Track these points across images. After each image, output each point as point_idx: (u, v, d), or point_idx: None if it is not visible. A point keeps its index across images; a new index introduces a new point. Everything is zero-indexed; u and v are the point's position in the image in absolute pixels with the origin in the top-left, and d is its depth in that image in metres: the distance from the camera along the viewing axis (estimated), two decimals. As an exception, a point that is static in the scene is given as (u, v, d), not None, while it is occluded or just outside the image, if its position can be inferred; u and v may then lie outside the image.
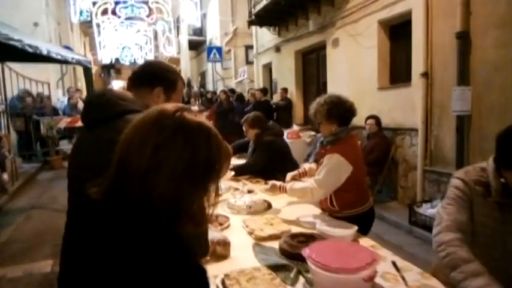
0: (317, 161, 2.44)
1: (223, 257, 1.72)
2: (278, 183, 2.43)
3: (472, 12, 4.06)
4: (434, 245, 1.38)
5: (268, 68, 10.85)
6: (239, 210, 2.38)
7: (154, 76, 1.49)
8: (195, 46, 18.71)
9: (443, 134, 4.59)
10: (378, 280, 1.49)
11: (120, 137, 0.84)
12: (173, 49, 17.69)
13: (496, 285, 1.15)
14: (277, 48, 9.49)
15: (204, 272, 0.82)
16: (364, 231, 2.11)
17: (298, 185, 2.29)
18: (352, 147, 2.26)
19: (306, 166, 2.66)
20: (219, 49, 13.84)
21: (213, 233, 1.77)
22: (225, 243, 1.75)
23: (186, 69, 19.54)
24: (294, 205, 2.53)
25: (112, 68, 24.77)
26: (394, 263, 1.65)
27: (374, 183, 5.34)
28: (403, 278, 1.52)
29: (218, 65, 14.67)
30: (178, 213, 0.80)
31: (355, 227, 1.92)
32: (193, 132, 0.81)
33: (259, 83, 11.09)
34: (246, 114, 3.79)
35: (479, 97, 4.04)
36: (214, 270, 1.54)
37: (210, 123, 0.88)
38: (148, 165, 0.77)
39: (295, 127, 8.14)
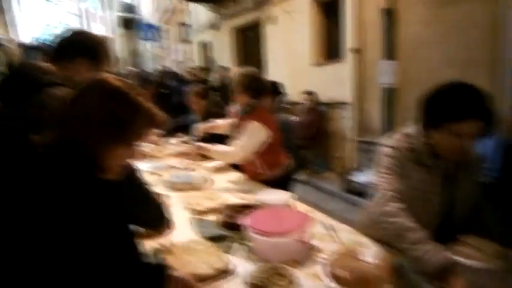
0: (236, 130, 2.56)
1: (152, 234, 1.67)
2: (203, 144, 2.53)
3: (397, -11, 4.30)
4: (377, 216, 1.41)
5: (205, 46, 10.60)
6: (177, 187, 2.33)
7: (77, 46, 1.40)
8: (127, 24, 17.63)
9: (372, 106, 4.88)
10: (311, 240, 1.56)
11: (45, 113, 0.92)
12: (103, 27, 16.52)
13: (442, 249, 1.20)
14: (215, 26, 9.28)
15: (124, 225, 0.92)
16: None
17: (221, 147, 2.43)
18: (267, 116, 2.47)
19: (219, 121, 2.83)
20: (153, 27, 13.18)
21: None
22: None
23: (119, 48, 18.41)
24: (229, 176, 2.61)
25: (35, 49, 22.57)
26: (328, 225, 1.74)
27: (311, 156, 5.57)
28: (335, 237, 1.62)
29: (154, 43, 14.00)
30: (95, 161, 0.88)
31: (290, 194, 1.98)
32: (112, 91, 0.89)
33: (197, 61, 10.82)
34: (183, 94, 3.69)
35: (405, 71, 4.33)
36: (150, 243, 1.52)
37: (133, 87, 0.95)
38: (67, 115, 0.87)
39: (234, 106, 8.12)
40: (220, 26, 9.10)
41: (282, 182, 2.47)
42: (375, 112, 4.83)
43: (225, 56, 9.15)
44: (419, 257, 1.19)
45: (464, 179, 1.47)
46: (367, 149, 5.01)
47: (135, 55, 17.78)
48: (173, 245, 1.49)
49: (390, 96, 4.51)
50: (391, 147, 1.47)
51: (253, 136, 2.34)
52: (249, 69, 2.49)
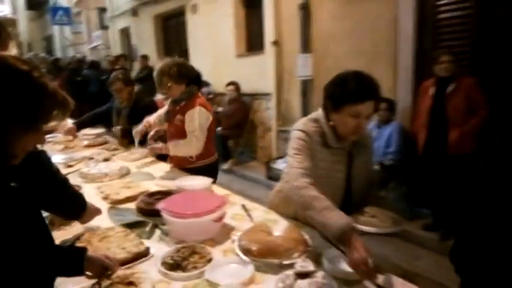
0: (168, 120, 2.56)
1: (64, 224, 1.64)
2: (158, 145, 2.46)
3: (310, -14, 4.56)
4: (288, 191, 1.49)
5: (126, 33, 10.09)
6: (93, 178, 2.26)
7: None
8: (36, 5, 15.95)
9: (292, 97, 5.15)
10: (227, 221, 1.65)
11: None
12: (6, 7, 14.74)
13: (344, 215, 1.30)
14: (135, 12, 8.87)
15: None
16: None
17: (179, 143, 2.40)
18: (205, 101, 2.48)
19: (150, 119, 2.72)
20: (66, 10, 12.10)
21: None
22: None
23: (26, 32, 16.62)
24: (151, 167, 2.59)
25: None
26: (243, 206, 1.85)
27: (236, 146, 5.69)
28: (250, 216, 1.73)
29: (67, 29, 12.90)
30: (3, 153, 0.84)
31: (210, 179, 2.05)
32: (15, 72, 0.83)
33: (116, 49, 10.26)
34: (102, 83, 3.47)
35: (318, 63, 4.64)
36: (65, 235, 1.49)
37: (40, 73, 0.89)
38: None
39: (159, 96, 7.90)
40: (140, 12, 8.73)
41: (210, 171, 2.50)
42: (295, 102, 5.10)
43: (147, 44, 8.82)
44: (324, 222, 1.30)
45: (359, 156, 1.63)
46: (288, 138, 5.27)
47: (47, 41, 16.20)
48: (91, 233, 1.47)
49: (307, 87, 4.80)
50: (301, 130, 1.59)
51: (203, 121, 2.37)
52: (178, 59, 2.48)
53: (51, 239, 1.02)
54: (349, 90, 1.44)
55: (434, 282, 2.57)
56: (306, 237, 1.43)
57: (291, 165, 1.51)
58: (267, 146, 5.73)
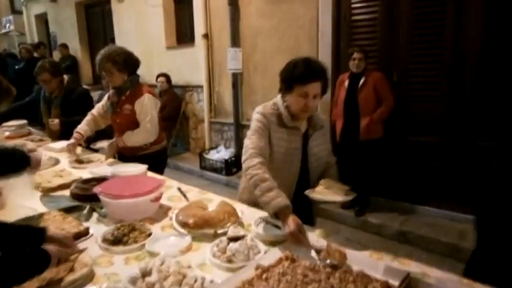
0: (116, 110, 2.52)
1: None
2: (112, 142, 2.45)
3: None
4: (243, 170, 1.64)
5: (43, 20, 9.33)
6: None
7: None
8: None
9: (223, 89, 5.31)
10: (164, 202, 1.77)
11: None
12: None
13: (283, 196, 1.46)
14: (53, -3, 8.25)
15: None
16: (161, 168, 2.60)
17: (133, 133, 2.41)
18: (149, 89, 2.52)
19: (80, 130, 2.61)
20: (-33, -10, 10.77)
21: None
22: None
23: None
24: (84, 156, 2.58)
25: None
26: (179, 188, 1.97)
27: (169, 137, 5.69)
28: (185, 197, 1.87)
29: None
30: None
31: (146, 166, 2.14)
32: None
33: (32, 37, 9.44)
34: (17, 72, 3.25)
35: (248, 57, 4.86)
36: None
37: None
38: None
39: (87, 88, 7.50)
40: (60, -2, 8.16)
41: (162, 156, 2.64)
42: (226, 95, 5.27)
43: (68, 32, 8.27)
44: (265, 201, 1.44)
45: (315, 137, 1.77)
46: (220, 129, 5.44)
47: None
48: (29, 218, 1.50)
49: (237, 80, 5.00)
50: (259, 113, 1.73)
51: (154, 108, 2.43)
52: (118, 47, 2.48)
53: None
54: (297, 72, 1.62)
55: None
56: (237, 210, 1.62)
57: (246, 146, 1.66)
58: (199, 137, 5.83)
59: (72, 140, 2.56)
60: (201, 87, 5.50)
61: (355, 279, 1.08)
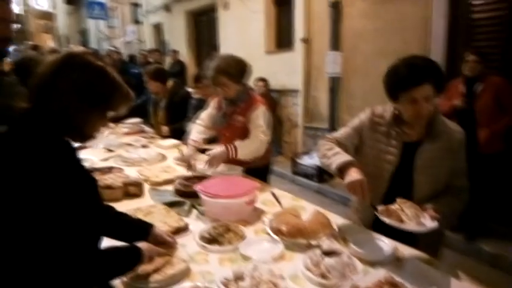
0: (228, 122, 2.32)
1: (137, 195, 1.91)
2: (218, 151, 2.12)
3: (343, -17, 4.60)
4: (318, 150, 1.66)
5: (158, 28, 10.40)
6: (133, 162, 2.44)
7: None
8: (73, 0, 16.62)
9: (319, 94, 5.21)
10: (258, 205, 1.78)
11: None
12: (45, 2, 15.43)
13: (348, 156, 1.44)
14: (167, 8, 9.13)
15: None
16: (266, 179, 2.39)
17: (244, 144, 2.18)
18: (262, 99, 2.34)
19: (194, 138, 2.38)
20: (101, 4, 12.56)
21: (129, 176, 2.04)
22: (138, 183, 1.95)
23: (64, 26, 17.36)
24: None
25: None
26: (273, 193, 1.96)
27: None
28: (279, 202, 1.85)
29: (102, 23, 13.38)
30: (69, 125, 0.99)
31: (241, 168, 2.18)
32: (92, 66, 1.00)
33: (149, 43, 10.59)
34: (135, 76, 3.62)
35: (348, 61, 4.68)
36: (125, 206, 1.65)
37: (111, 69, 1.05)
38: (46, 84, 0.95)
39: (189, 89, 8.12)
40: (173, 8, 8.98)
41: (266, 171, 2.43)
42: (322, 99, 5.16)
43: (177, 39, 9.06)
44: (330, 163, 1.47)
45: (432, 150, 1.50)
46: (313, 134, 5.36)
47: (83, 34, 16.84)
48: (137, 209, 1.64)
49: (335, 84, 4.85)
50: (369, 110, 1.66)
51: (267, 120, 2.24)
52: (228, 56, 2.26)
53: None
54: (400, 78, 1.43)
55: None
56: (332, 222, 1.54)
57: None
58: (293, 141, 5.82)
59: (190, 151, 2.30)
60: (297, 91, 5.49)
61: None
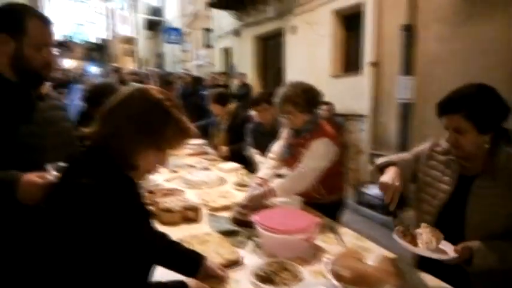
0: (292, 153, 2.20)
1: (193, 220, 1.90)
2: (259, 192, 1.99)
3: (417, 6, 4.37)
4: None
5: (227, 52, 10.83)
6: (194, 185, 2.47)
7: None
8: (153, 26, 18.12)
9: (388, 120, 4.93)
10: (318, 242, 1.65)
11: None
12: (128, 28, 17.02)
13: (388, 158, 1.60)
14: (237, 33, 9.49)
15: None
16: (336, 217, 2.16)
17: (284, 181, 2.05)
18: (332, 129, 2.19)
19: (262, 175, 2.23)
20: (177, 30, 13.53)
21: (188, 200, 2.03)
22: (196, 209, 1.93)
23: (143, 49, 18.94)
24: (248, 178, 2.68)
25: (63, 46, 23.35)
26: (333, 228, 1.83)
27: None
28: (341, 240, 1.71)
29: (177, 47, 14.36)
30: (127, 160, 0.98)
31: (300, 198, 2.08)
32: (154, 102, 0.99)
33: (218, 67, 11.05)
34: (203, 97, 3.78)
35: (421, 86, 4.38)
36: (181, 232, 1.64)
37: (173, 104, 1.03)
38: (112, 115, 0.98)
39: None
40: (242, 33, 9.30)
41: (338, 208, 2.22)
42: (391, 126, 4.87)
43: (245, 62, 9.33)
44: (375, 165, 1.64)
45: (492, 187, 1.38)
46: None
47: (160, 57, 18.22)
48: (193, 236, 1.62)
49: (407, 111, 4.56)
50: (432, 141, 1.62)
51: (325, 156, 2.04)
52: (298, 84, 2.14)
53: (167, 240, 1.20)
54: (437, 104, 1.43)
55: None
56: (401, 270, 1.36)
57: None
58: (357, 168, 5.55)
59: (257, 191, 2.03)
60: (364, 116, 5.26)
61: None
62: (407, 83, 4.43)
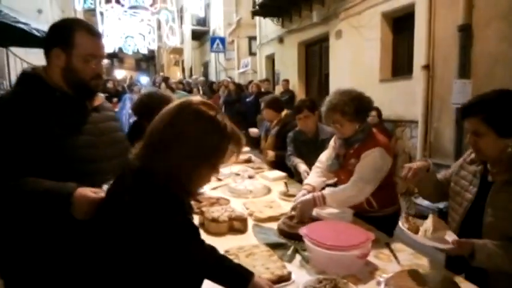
0: (342, 164, 2.10)
1: (240, 231, 1.87)
2: (308, 197, 1.94)
3: (474, 5, 4.08)
4: None
5: (271, 59, 10.85)
6: (240, 194, 2.45)
7: (48, 38, 1.33)
8: (199, 36, 18.67)
9: (443, 126, 4.63)
10: (371, 259, 1.56)
11: None
12: (176, 39, 17.62)
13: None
14: (281, 39, 9.48)
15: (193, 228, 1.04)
16: (391, 232, 2.01)
17: (336, 192, 1.96)
18: (385, 139, 2.11)
19: (311, 182, 2.19)
20: (222, 39, 13.80)
21: (234, 210, 1.98)
22: (243, 219, 1.90)
23: (189, 59, 19.54)
24: (294, 187, 2.61)
25: (115, 58, 24.73)
26: (387, 244, 1.72)
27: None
28: (396, 257, 1.59)
29: (221, 55, 14.64)
30: (177, 179, 0.95)
31: (352, 210, 1.98)
32: (206, 118, 0.96)
33: (262, 74, 11.10)
34: (247, 104, 3.79)
35: (480, 90, 4.02)
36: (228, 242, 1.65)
37: (223, 117, 1.00)
38: (160, 140, 0.95)
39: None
40: (286, 39, 9.27)
41: (391, 222, 2.02)
42: (447, 132, 4.57)
43: (288, 69, 9.28)
44: None
45: (502, 193, 1.39)
46: (435, 170, 4.74)
47: (205, 66, 18.73)
48: (239, 248, 1.59)
49: (463, 116, 4.25)
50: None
51: (378, 166, 1.93)
52: (354, 91, 2.04)
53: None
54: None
55: None
56: None
57: None
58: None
59: (305, 198, 1.95)
60: (416, 122, 4.99)
61: None
62: (464, 86, 4.13)
